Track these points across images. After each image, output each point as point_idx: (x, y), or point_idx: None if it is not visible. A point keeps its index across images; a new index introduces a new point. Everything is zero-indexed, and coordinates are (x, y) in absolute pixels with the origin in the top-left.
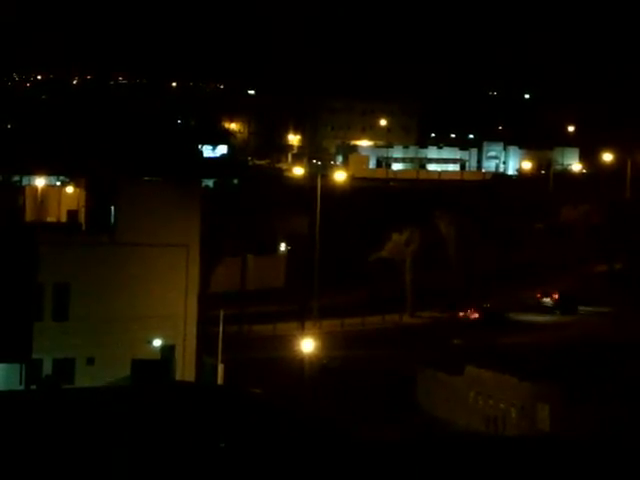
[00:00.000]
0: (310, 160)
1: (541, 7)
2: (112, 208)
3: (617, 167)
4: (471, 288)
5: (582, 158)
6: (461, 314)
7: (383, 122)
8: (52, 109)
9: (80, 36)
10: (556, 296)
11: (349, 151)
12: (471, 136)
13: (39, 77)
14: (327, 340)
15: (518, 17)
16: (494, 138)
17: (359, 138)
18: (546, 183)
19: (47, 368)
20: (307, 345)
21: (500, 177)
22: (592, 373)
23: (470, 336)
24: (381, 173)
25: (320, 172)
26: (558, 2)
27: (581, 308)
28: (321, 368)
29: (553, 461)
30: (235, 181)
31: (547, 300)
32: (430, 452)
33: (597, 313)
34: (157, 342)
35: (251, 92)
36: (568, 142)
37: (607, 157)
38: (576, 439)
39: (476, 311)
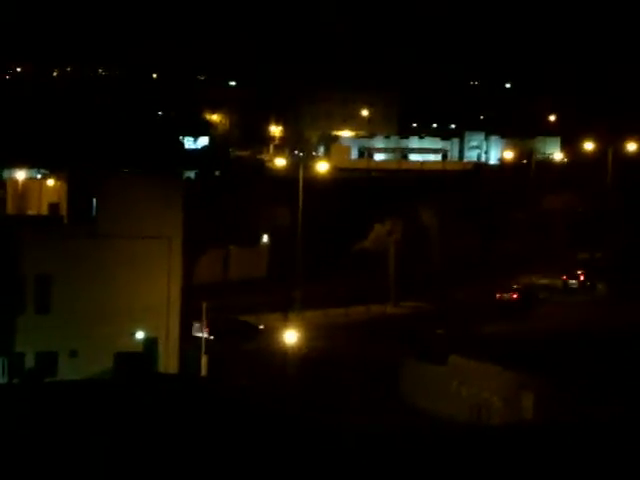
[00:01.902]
0: (292, 151)
1: None
2: (94, 200)
3: (598, 156)
4: (454, 277)
5: (564, 147)
6: (498, 295)
7: (364, 112)
8: (32, 102)
9: (60, 28)
10: (582, 277)
11: (331, 142)
12: (452, 126)
13: (19, 69)
14: (311, 331)
15: (499, 6)
16: (475, 128)
17: (340, 128)
18: (528, 172)
19: (30, 361)
20: (290, 336)
21: (482, 167)
22: (581, 362)
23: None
24: (363, 163)
25: (302, 163)
26: None
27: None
28: (303, 358)
29: (537, 449)
30: (217, 173)
31: (573, 282)
32: (413, 442)
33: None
34: (140, 334)
35: (232, 83)
36: (550, 131)
37: (588, 146)
38: (560, 427)
39: (515, 292)
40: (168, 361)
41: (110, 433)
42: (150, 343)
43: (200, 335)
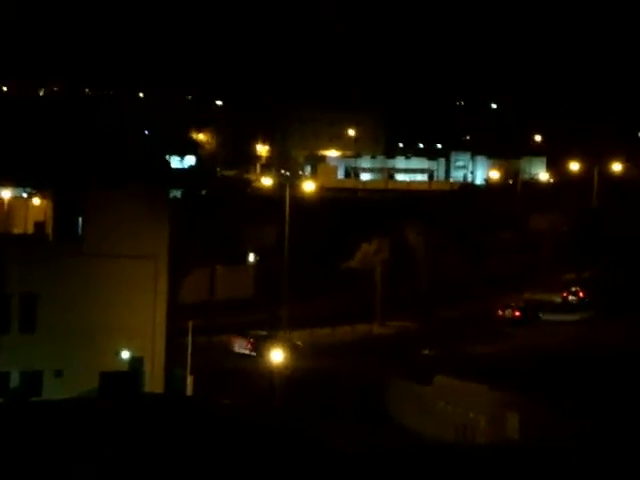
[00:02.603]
0: (279, 170)
1: (507, 16)
2: (79, 219)
3: (584, 176)
4: (440, 297)
5: (549, 167)
6: (500, 313)
7: (351, 132)
8: (17, 120)
9: (46, 46)
10: (582, 294)
11: (317, 161)
12: (439, 146)
13: (4, 88)
14: (297, 350)
15: (484, 27)
16: (462, 148)
17: (327, 148)
18: (514, 192)
19: (14, 380)
20: (276, 356)
21: (468, 187)
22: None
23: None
24: (350, 183)
25: (289, 182)
26: (523, 12)
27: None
28: (289, 377)
29: (522, 470)
30: (203, 192)
31: (573, 298)
32: (398, 462)
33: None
34: (125, 354)
35: (219, 103)
36: (535, 151)
37: (574, 166)
38: (545, 448)
39: (517, 310)
40: (154, 380)
41: (95, 453)
42: (136, 362)
43: (243, 352)
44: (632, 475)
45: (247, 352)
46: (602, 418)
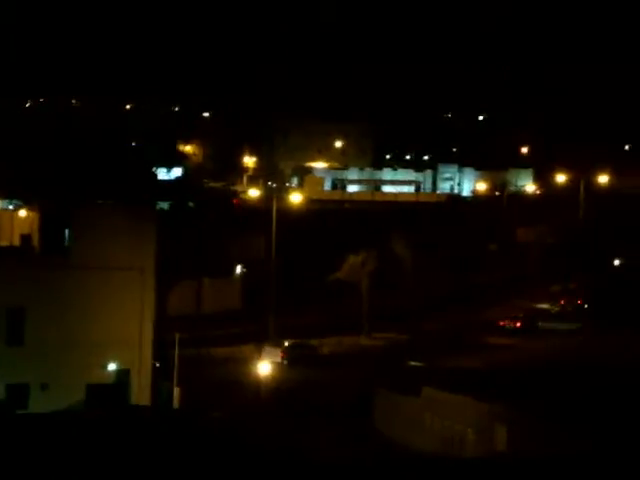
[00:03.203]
0: (266, 182)
1: (494, 29)
2: (66, 231)
3: (571, 188)
4: (427, 309)
5: (536, 179)
6: (502, 323)
7: (338, 144)
8: (4, 133)
9: (32, 59)
10: (580, 302)
11: (304, 173)
12: (426, 158)
13: None
14: (284, 362)
15: (472, 39)
16: (449, 160)
17: (314, 160)
18: (501, 204)
19: (1, 393)
20: (264, 368)
21: (455, 198)
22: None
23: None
24: (337, 195)
25: (275, 194)
26: (511, 24)
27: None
28: (276, 389)
29: None
30: (190, 204)
31: (570, 307)
32: (385, 475)
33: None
34: (112, 366)
35: (206, 114)
36: (522, 163)
37: (561, 178)
38: (534, 460)
39: (519, 320)
40: (141, 393)
41: (82, 466)
42: (122, 375)
43: (274, 360)
44: None
45: (279, 361)
46: (591, 429)
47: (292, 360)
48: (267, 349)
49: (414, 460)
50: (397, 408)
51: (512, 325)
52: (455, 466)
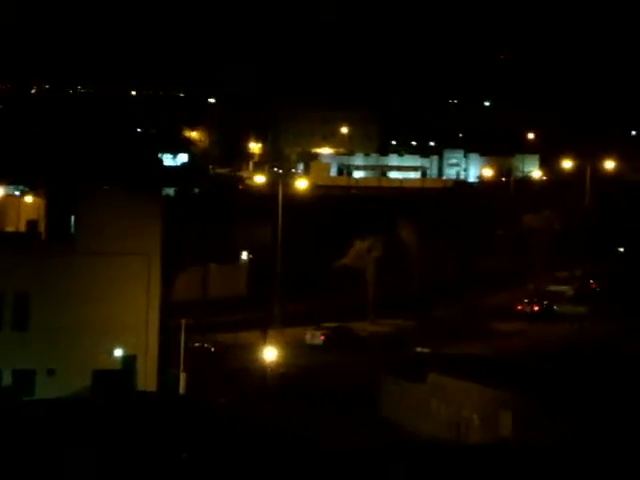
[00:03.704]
0: (271, 168)
1: (499, 15)
2: (72, 217)
3: (577, 173)
4: (434, 295)
5: (542, 165)
6: (519, 307)
7: (344, 130)
8: (10, 119)
9: (39, 45)
10: (594, 285)
11: (310, 159)
12: (432, 143)
13: None
14: (290, 348)
15: (477, 25)
16: (455, 145)
17: (320, 146)
18: (507, 190)
19: (7, 379)
20: (269, 354)
21: (461, 184)
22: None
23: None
24: (343, 181)
25: (281, 180)
26: (516, 10)
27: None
28: (282, 375)
29: (515, 468)
30: (196, 190)
31: (585, 289)
32: (393, 460)
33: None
34: (118, 352)
35: (212, 100)
36: (528, 149)
37: (567, 164)
38: (538, 447)
39: (537, 304)
40: (147, 379)
41: (88, 451)
42: (129, 361)
43: (315, 343)
44: (625, 473)
45: (319, 344)
46: (596, 417)
47: (332, 343)
48: (308, 333)
49: (420, 446)
50: (403, 394)
51: (530, 309)
52: (460, 451)
